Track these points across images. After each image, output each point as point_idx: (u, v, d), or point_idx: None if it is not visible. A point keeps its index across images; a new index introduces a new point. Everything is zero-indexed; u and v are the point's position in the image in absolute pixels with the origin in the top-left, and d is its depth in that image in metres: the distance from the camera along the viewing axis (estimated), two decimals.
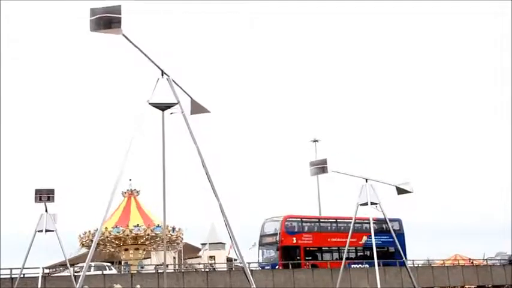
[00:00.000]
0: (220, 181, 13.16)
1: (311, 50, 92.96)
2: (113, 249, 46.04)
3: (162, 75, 12.10)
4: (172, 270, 36.75)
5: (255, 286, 12.61)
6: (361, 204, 18.85)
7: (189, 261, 53.78)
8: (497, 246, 57.18)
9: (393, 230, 40.19)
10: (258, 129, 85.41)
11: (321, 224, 40.98)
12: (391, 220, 40.40)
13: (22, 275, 25.81)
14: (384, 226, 39.64)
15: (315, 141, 52.67)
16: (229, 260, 53.49)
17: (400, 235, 40.40)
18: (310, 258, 38.43)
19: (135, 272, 36.81)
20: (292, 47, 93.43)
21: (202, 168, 12.33)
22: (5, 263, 31.48)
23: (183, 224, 45.46)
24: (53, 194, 22.20)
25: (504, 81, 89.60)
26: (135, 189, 51.17)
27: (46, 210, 22.85)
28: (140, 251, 44.20)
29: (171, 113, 12.24)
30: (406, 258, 40.32)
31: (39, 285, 23.52)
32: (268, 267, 36.90)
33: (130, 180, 49.74)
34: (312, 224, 40.58)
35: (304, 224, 39.77)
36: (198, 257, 57.06)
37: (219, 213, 12.51)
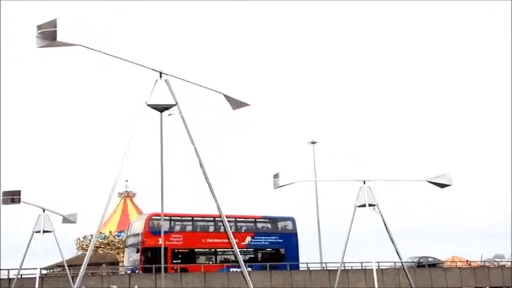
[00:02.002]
0: (217, 182, 13.17)
1: (310, 50, 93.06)
2: (112, 252, 46.31)
3: (161, 76, 12.14)
4: None
5: (252, 287, 12.64)
6: (359, 206, 18.87)
7: None
8: (495, 248, 57.18)
9: (285, 229, 39.35)
10: (257, 130, 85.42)
11: (195, 223, 37.15)
12: (284, 219, 39.85)
13: (20, 276, 25.83)
14: (271, 225, 39.16)
15: (313, 142, 52.58)
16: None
17: (293, 235, 38.93)
18: (179, 261, 34.59)
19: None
20: (291, 47, 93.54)
21: (200, 168, 12.36)
22: (2, 264, 31.45)
23: None
24: (19, 195, 22.03)
25: (503, 82, 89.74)
26: (131, 191, 51.32)
27: (44, 211, 22.87)
28: None
29: (169, 114, 12.27)
30: (298, 260, 38.76)
31: (37, 286, 23.52)
32: (129, 272, 33.95)
33: (126, 181, 49.91)
34: (184, 223, 36.82)
35: (174, 223, 35.90)
36: None
37: (216, 214, 12.54)
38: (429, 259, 41.14)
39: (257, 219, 39.09)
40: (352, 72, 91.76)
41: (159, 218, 32.58)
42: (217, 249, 35.75)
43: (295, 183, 17.99)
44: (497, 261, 47.33)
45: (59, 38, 10.47)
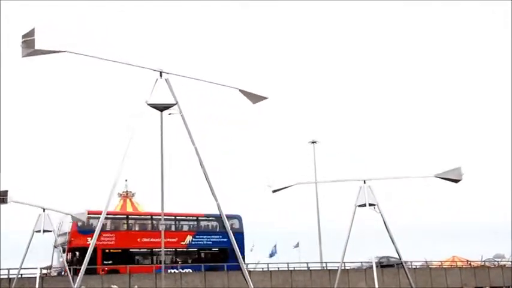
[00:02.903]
0: (218, 181, 13.18)
1: (310, 50, 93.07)
2: None
3: (161, 75, 12.13)
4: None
5: (252, 287, 12.63)
6: (359, 206, 18.83)
7: None
8: (495, 248, 57.17)
9: (231, 228, 37.77)
10: (256, 130, 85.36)
11: (130, 222, 35.27)
12: (229, 217, 36.51)
13: (20, 275, 25.83)
14: (215, 224, 36.78)
15: (314, 142, 52.62)
16: None
17: (239, 234, 36.77)
18: (111, 262, 32.50)
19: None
20: (291, 47, 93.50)
21: (201, 168, 12.36)
22: (2, 264, 31.45)
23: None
24: (6, 195, 21.94)
25: (503, 82, 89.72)
26: (130, 191, 51.31)
27: (44, 210, 22.85)
28: None
29: (170, 114, 12.26)
30: (244, 261, 37.24)
31: (37, 286, 23.51)
32: (55, 274, 32.42)
33: (126, 181, 49.90)
34: (117, 222, 34.70)
35: (106, 222, 33.52)
36: None
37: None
38: (391, 259, 40.04)
39: (199, 218, 37.34)
40: (352, 71, 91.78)
41: (91, 215, 30.67)
42: (154, 249, 33.44)
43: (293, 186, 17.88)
44: (498, 261, 47.37)
45: (38, 46, 10.38)
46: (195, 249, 36.10)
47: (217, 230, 36.32)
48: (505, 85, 77.90)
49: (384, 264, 38.95)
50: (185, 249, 35.58)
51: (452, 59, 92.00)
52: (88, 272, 26.00)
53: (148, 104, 12.02)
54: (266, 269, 36.92)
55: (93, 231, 28.05)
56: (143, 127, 12.13)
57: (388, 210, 19.29)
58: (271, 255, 49.77)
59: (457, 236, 69.69)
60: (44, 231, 22.81)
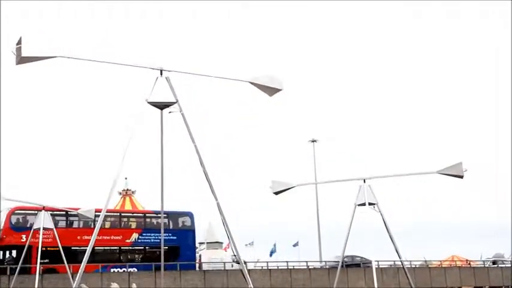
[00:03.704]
0: (218, 180, 13.17)
1: (310, 50, 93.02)
2: None
3: (161, 73, 12.12)
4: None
5: (252, 285, 12.63)
6: (359, 205, 18.83)
7: None
8: (495, 248, 57.24)
9: (182, 226, 35.94)
10: (255, 130, 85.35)
11: (70, 219, 32.67)
12: (179, 214, 35.94)
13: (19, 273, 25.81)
14: (165, 221, 34.80)
15: (313, 141, 52.57)
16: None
17: (189, 232, 35.87)
18: (47, 261, 29.80)
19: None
20: (291, 45, 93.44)
21: (200, 166, 12.34)
22: None
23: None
24: None
25: (503, 83, 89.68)
26: (129, 189, 51.30)
27: (44, 208, 22.87)
28: None
29: (170, 112, 12.25)
30: (195, 260, 35.75)
31: (36, 284, 23.51)
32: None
33: (126, 178, 49.83)
34: (56, 219, 31.31)
35: None
36: None
37: (216, 212, 12.54)
38: (356, 258, 39.43)
39: (146, 214, 36.23)
40: (352, 70, 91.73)
41: (27, 211, 30.18)
42: (96, 247, 31.10)
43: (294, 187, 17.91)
44: (497, 262, 47.35)
45: (25, 53, 10.42)
46: (141, 248, 34.68)
47: (168, 227, 34.81)
48: (505, 87, 77.87)
49: (348, 264, 38.22)
50: (130, 248, 33.93)
51: (451, 59, 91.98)
52: (23, 271, 26.31)
53: (149, 102, 12.01)
54: (265, 268, 36.92)
55: (28, 228, 27.37)
56: (144, 124, 12.13)
57: (388, 210, 19.31)
58: (271, 254, 49.86)
59: (456, 235, 69.77)
60: (44, 229, 22.87)
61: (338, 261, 38.16)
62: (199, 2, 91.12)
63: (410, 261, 40.31)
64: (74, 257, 28.76)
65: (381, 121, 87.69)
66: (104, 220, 29.98)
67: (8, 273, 28.33)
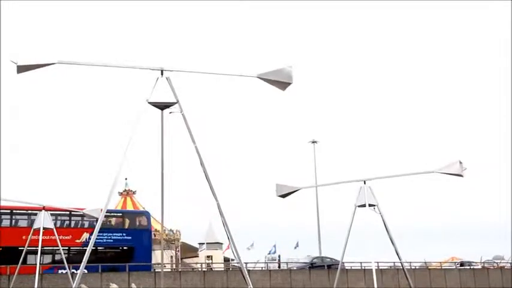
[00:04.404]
0: (218, 181, 13.16)
1: (310, 50, 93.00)
2: None
3: (162, 74, 12.11)
4: (169, 270, 36.74)
5: (252, 286, 12.61)
6: (359, 206, 18.81)
7: (187, 260, 53.86)
8: (495, 250, 57.22)
9: (137, 225, 34.77)
10: (255, 130, 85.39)
11: (14, 218, 31.53)
12: (135, 213, 36.08)
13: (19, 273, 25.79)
14: (118, 220, 34.23)
15: (314, 142, 52.60)
16: (226, 259, 53.49)
17: (145, 232, 34.85)
18: None
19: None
20: (290, 46, 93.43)
21: (201, 167, 12.32)
22: None
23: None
24: None
25: (502, 83, 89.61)
26: (130, 190, 51.26)
27: (44, 208, 22.85)
28: None
29: (170, 112, 12.23)
30: (151, 261, 33.97)
31: (36, 284, 23.49)
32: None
33: (126, 179, 49.81)
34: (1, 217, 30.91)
35: None
36: (195, 256, 57.11)
37: (216, 213, 12.52)
38: (326, 259, 39.12)
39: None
40: (352, 71, 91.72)
41: None
42: (45, 248, 28.81)
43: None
44: (497, 263, 47.35)
45: (21, 62, 10.57)
46: (93, 248, 33.79)
47: (122, 227, 33.94)
48: (505, 87, 77.82)
49: (317, 265, 38.04)
50: (80, 248, 31.85)
51: (451, 59, 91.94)
52: None
53: (149, 103, 12.00)
54: (265, 269, 36.91)
55: None
56: (145, 124, 12.12)
57: (388, 211, 19.28)
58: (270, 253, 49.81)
59: (456, 237, 69.80)
60: (44, 229, 22.85)
61: (306, 263, 38.52)
62: (199, 2, 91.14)
63: (410, 262, 40.33)
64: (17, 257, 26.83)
65: (381, 121, 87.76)
66: (56, 219, 28.55)
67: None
